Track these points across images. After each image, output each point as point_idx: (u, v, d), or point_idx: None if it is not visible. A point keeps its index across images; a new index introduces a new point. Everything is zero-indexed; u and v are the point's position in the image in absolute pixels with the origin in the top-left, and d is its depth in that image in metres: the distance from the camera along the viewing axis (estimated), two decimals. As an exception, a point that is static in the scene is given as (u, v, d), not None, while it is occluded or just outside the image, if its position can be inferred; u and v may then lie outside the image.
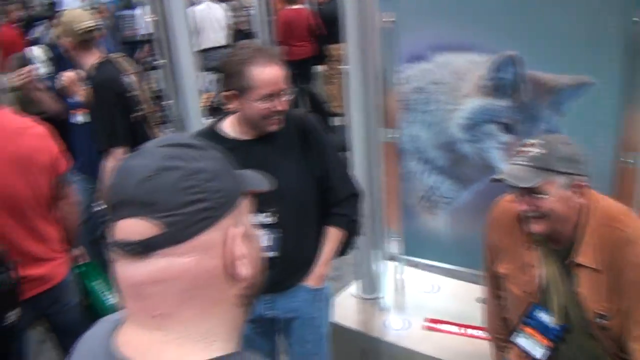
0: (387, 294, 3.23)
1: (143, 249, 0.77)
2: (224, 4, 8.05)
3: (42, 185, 2.30)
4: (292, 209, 2.03)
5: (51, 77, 3.76)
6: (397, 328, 2.96)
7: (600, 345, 1.81)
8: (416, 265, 3.24)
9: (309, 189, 2.11)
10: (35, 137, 2.30)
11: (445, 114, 2.68)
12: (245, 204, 0.86)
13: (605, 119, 2.31)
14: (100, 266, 2.79)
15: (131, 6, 7.65)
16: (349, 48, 2.77)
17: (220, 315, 0.82)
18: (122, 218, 0.78)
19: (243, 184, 0.86)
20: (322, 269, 2.17)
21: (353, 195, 2.23)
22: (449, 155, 2.75)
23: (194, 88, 3.66)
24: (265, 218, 1.97)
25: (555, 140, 1.78)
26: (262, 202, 0.96)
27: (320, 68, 7.43)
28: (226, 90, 1.96)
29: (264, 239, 1.93)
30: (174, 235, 0.77)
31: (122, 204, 0.78)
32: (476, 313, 2.41)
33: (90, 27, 3.16)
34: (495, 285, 2.06)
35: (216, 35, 7.60)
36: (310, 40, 7.20)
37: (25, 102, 3.43)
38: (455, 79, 2.61)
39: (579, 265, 1.79)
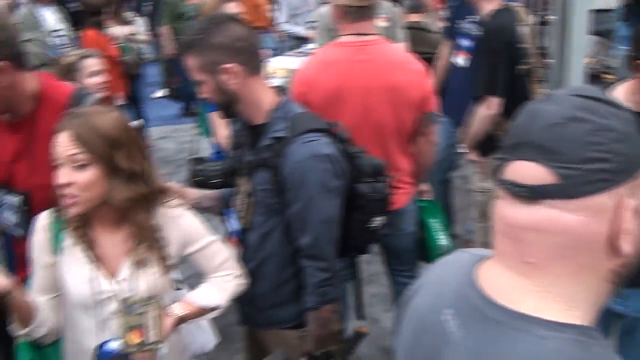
0: None
1: (533, 194, 0.77)
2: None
3: (407, 119, 2.46)
4: None
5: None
6: None
7: None
8: None
9: None
10: (412, 72, 2.45)
11: None
12: None
13: None
14: (442, 206, 2.95)
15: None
16: None
17: (587, 285, 0.79)
18: (518, 159, 0.78)
19: None
20: None
21: None
22: None
23: (582, 50, 3.42)
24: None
25: None
26: None
27: None
28: (636, 59, 1.86)
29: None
30: (568, 188, 0.75)
31: (522, 145, 0.78)
32: None
33: None
34: None
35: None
36: None
37: (415, 40, 3.68)
38: None
39: None
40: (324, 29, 3.55)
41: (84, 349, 1.66)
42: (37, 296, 1.69)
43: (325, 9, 3.67)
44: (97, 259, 1.65)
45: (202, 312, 1.79)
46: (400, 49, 2.52)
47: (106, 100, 3.01)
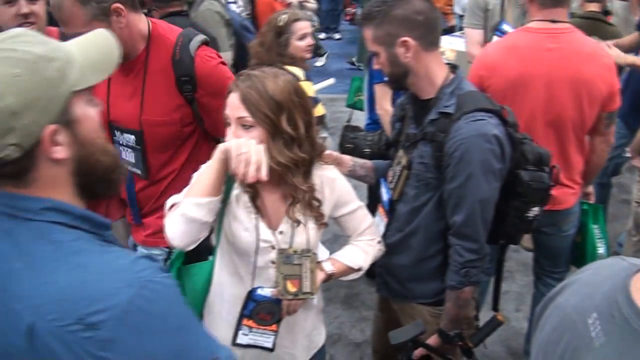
0: None
1: None
2: None
3: (589, 114, 2.33)
4: None
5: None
6: None
7: None
8: None
9: None
10: (602, 66, 2.31)
11: None
12: None
13: None
14: (603, 211, 2.76)
15: None
16: None
17: None
18: None
19: None
20: None
21: None
22: None
23: None
24: None
25: None
26: None
27: None
28: None
29: None
30: None
31: None
32: None
33: None
34: None
35: None
36: None
37: (590, 31, 3.43)
38: None
39: None
40: (476, 8, 3.41)
41: (237, 293, 1.78)
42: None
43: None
44: (261, 209, 1.75)
45: (348, 271, 1.87)
46: (591, 40, 2.36)
47: (305, 62, 3.15)
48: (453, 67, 1.92)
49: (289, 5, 5.07)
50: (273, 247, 1.74)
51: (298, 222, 1.75)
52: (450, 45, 4.54)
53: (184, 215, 1.53)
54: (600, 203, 3.72)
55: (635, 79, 3.41)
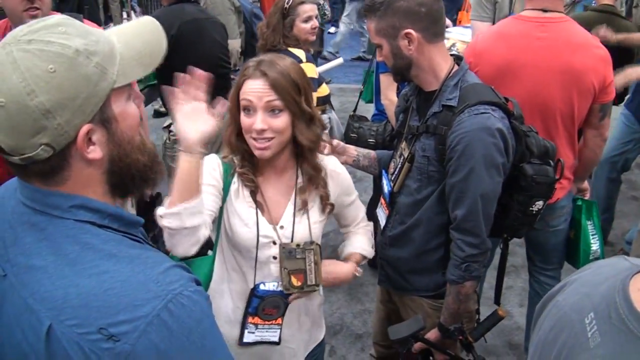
0: None
1: None
2: None
3: (579, 106, 2.28)
4: None
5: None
6: None
7: None
8: None
9: None
10: (594, 57, 2.25)
11: None
12: None
13: None
14: (604, 207, 2.73)
15: None
16: None
17: None
18: None
19: None
20: None
21: None
22: None
23: None
24: None
25: None
26: None
27: None
28: None
29: None
30: None
31: None
32: None
33: None
34: None
35: None
36: None
37: (602, 24, 3.38)
38: None
39: None
40: (485, 0, 3.37)
41: (239, 289, 1.77)
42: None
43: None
44: (261, 204, 1.74)
45: (362, 260, 1.93)
46: (583, 31, 2.32)
47: (311, 44, 3.19)
48: (458, 59, 1.90)
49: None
50: (274, 243, 1.73)
51: (304, 209, 1.75)
52: (461, 36, 4.50)
53: (165, 228, 1.45)
54: (609, 199, 3.72)
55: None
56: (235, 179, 1.74)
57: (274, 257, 1.73)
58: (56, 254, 0.89)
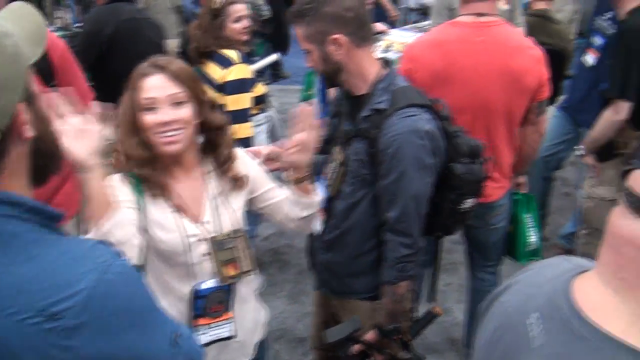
0: None
1: None
2: None
3: (518, 105, 2.35)
4: None
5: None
6: None
7: None
8: None
9: None
10: (530, 58, 2.33)
11: None
12: None
13: None
14: (538, 203, 2.81)
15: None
16: None
17: None
18: None
19: None
20: None
21: None
22: None
23: None
24: None
25: None
26: None
27: None
28: None
29: None
30: None
31: None
32: None
33: None
34: None
35: None
36: None
37: (536, 28, 3.49)
38: None
39: None
40: (442, 7, 3.44)
41: (180, 295, 1.72)
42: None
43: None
44: (179, 205, 1.71)
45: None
46: (519, 33, 2.39)
47: (246, 44, 3.15)
48: (386, 63, 1.92)
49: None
50: (203, 239, 1.71)
51: (222, 199, 1.75)
52: (401, 38, 4.55)
53: None
54: (543, 196, 3.83)
55: (583, 75, 3.46)
56: (146, 188, 1.68)
57: (207, 254, 1.71)
58: None
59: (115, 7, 3.48)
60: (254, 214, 2.05)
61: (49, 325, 0.84)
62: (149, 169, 1.67)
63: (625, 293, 0.76)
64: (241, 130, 2.95)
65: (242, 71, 2.98)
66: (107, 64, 3.40)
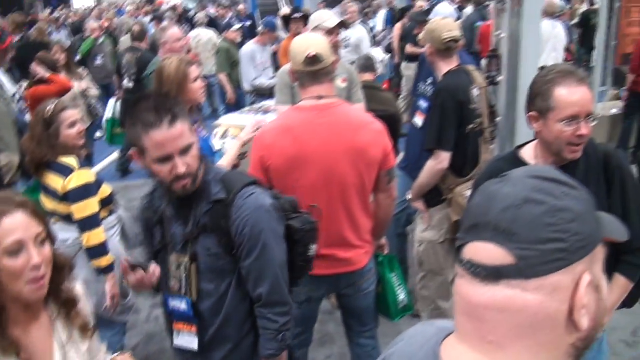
0: None
1: (492, 275, 0.78)
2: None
3: (369, 177, 2.47)
4: None
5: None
6: None
7: None
8: None
9: None
10: (373, 132, 2.47)
11: None
12: (600, 252, 0.81)
13: None
14: (398, 260, 2.94)
15: (486, 18, 7.69)
16: None
17: None
18: (478, 240, 0.80)
19: (602, 231, 0.81)
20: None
21: None
22: None
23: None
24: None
25: None
26: None
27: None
28: (530, 111, 1.95)
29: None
30: (525, 269, 0.76)
31: (480, 227, 0.80)
32: None
33: (454, 37, 3.19)
34: None
35: (557, 55, 7.14)
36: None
37: (367, 98, 3.75)
38: None
39: None
40: (283, 86, 3.57)
41: None
42: None
43: (286, 67, 3.71)
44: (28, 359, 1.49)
45: None
46: (359, 110, 2.56)
47: (81, 148, 2.99)
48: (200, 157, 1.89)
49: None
50: None
51: (70, 342, 1.56)
52: (233, 122, 4.56)
53: None
54: (401, 252, 4.00)
55: (414, 137, 3.71)
56: None
57: None
58: None
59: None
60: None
61: None
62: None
63: (495, 354, 0.79)
64: (92, 237, 2.79)
65: (84, 176, 2.83)
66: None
